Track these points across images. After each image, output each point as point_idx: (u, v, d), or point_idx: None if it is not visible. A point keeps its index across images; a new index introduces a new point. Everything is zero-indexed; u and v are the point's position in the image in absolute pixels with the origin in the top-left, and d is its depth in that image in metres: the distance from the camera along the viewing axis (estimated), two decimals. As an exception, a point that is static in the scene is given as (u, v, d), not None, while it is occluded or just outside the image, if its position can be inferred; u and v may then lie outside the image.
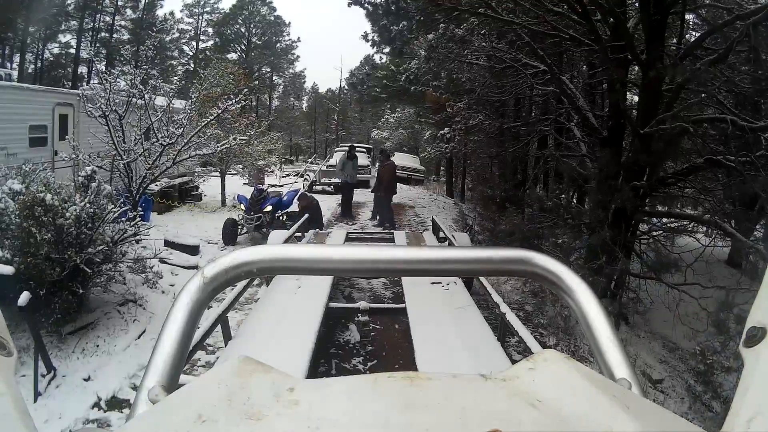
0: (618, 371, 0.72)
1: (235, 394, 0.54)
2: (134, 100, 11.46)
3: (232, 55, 48.85)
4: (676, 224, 8.97)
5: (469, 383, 0.58)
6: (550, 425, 0.50)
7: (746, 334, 0.64)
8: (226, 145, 13.24)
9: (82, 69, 42.09)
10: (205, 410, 0.51)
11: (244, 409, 0.52)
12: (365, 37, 26.71)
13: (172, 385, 0.67)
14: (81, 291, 6.16)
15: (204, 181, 17.20)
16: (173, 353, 0.70)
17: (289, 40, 55.06)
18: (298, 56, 56.14)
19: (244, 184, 19.60)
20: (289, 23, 54.70)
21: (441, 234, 9.58)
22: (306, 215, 10.48)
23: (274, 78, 56.13)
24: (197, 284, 0.76)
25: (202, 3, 50.78)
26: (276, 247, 0.82)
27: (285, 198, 12.47)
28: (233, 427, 0.49)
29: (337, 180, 19.49)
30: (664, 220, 9.27)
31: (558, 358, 0.63)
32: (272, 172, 25.76)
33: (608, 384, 0.61)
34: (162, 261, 8.70)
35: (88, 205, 6.32)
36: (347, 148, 17.30)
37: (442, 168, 31.31)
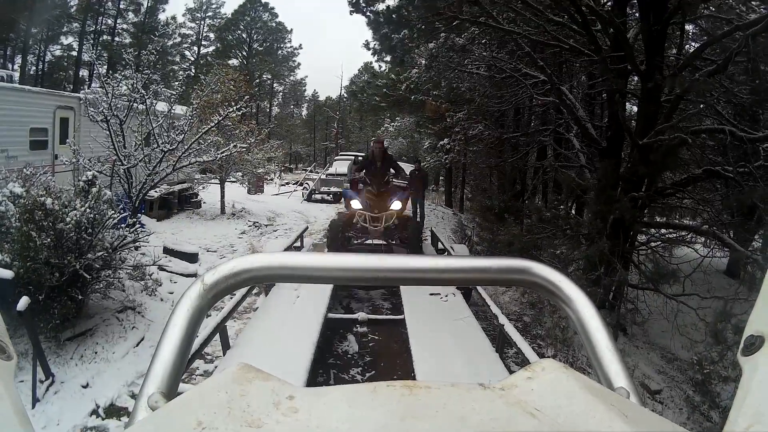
0: (616, 380, 0.72)
1: (234, 401, 0.54)
2: (135, 104, 11.47)
3: (233, 61, 48.89)
4: (675, 235, 8.96)
5: (468, 392, 0.59)
6: (548, 434, 0.50)
7: (744, 342, 0.64)
8: (226, 153, 13.25)
9: (84, 72, 42.20)
10: (205, 417, 0.51)
11: (244, 416, 0.52)
12: (366, 45, 26.74)
13: (171, 392, 0.67)
14: (80, 297, 6.17)
15: (203, 188, 17.20)
16: (173, 360, 0.70)
17: (291, 47, 55.29)
18: (299, 64, 56.36)
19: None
20: (291, 30, 54.89)
21: (440, 245, 9.57)
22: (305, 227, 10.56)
23: (275, 85, 56.25)
24: (197, 291, 0.76)
25: (204, 8, 51.01)
26: (276, 255, 0.82)
27: None
28: (232, 435, 0.50)
29: (336, 189, 19.50)
30: (663, 230, 9.26)
31: (556, 368, 0.63)
32: (271, 180, 25.78)
33: (607, 393, 0.61)
34: (161, 268, 8.69)
35: (88, 210, 6.32)
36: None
37: (441, 178, 31.32)
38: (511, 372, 4.58)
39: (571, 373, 0.62)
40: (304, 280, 0.85)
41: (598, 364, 0.75)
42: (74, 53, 41.87)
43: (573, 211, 12.01)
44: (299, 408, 0.54)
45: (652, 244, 8.97)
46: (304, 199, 21.16)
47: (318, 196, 21.43)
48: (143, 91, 11.42)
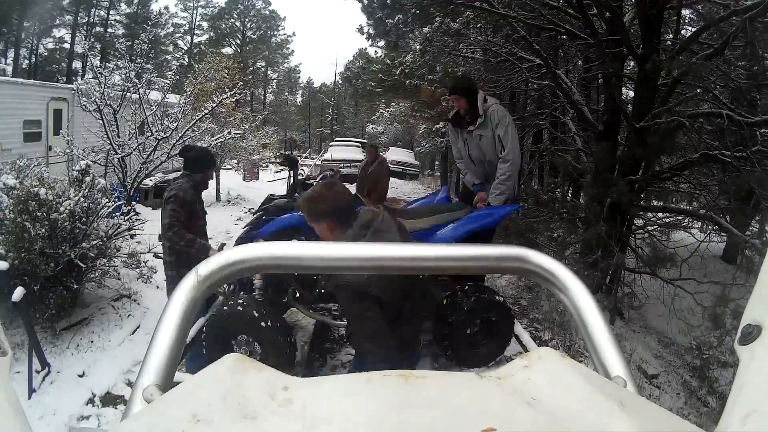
0: (613, 369, 0.72)
1: (229, 393, 0.54)
2: (128, 94, 11.41)
3: (227, 50, 48.65)
4: (672, 219, 8.98)
5: (464, 382, 0.58)
6: (545, 424, 0.50)
7: (741, 331, 0.64)
8: (220, 140, 13.20)
9: (77, 64, 41.93)
10: (200, 409, 0.51)
11: (239, 408, 0.52)
12: (360, 30, 26.64)
13: (166, 383, 0.67)
14: (75, 286, 6.14)
15: (198, 175, 17.13)
16: (168, 352, 0.69)
17: (285, 34, 55.10)
18: (293, 51, 56.22)
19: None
20: (285, 18, 54.67)
21: None
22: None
23: (269, 72, 56.05)
24: (191, 282, 0.75)
25: (196, -3, 50.67)
26: (270, 245, 0.81)
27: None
28: (228, 427, 0.49)
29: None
30: (660, 214, 9.26)
31: (553, 356, 0.63)
32: (267, 167, 25.72)
33: (603, 382, 0.61)
34: (156, 256, 8.65)
35: (82, 199, 6.29)
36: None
37: (437, 162, 31.28)
38: (507, 360, 4.60)
39: (568, 362, 0.62)
40: (300, 269, 0.85)
41: (594, 353, 0.74)
42: (67, 46, 41.64)
43: (569, 195, 12.02)
44: (294, 399, 0.54)
45: (649, 227, 8.99)
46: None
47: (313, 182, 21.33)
48: (136, 81, 11.37)
